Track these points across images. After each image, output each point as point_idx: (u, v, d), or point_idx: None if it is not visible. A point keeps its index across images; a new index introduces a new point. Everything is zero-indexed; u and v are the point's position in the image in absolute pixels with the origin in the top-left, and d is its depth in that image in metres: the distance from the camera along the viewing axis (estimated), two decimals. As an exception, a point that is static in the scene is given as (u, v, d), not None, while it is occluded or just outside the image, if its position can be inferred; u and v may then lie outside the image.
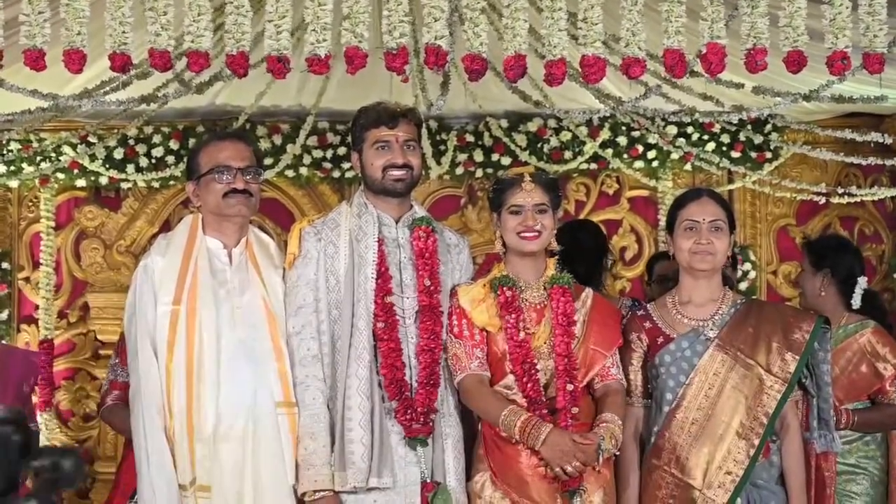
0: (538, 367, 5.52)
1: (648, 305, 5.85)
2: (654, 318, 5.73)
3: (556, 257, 5.83)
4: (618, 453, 5.53)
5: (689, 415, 5.55)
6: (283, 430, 5.46)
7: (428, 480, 5.49)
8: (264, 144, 9.23)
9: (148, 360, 5.37)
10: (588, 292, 5.71)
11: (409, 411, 5.48)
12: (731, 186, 9.94)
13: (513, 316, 5.53)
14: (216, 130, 5.90)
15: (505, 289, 5.57)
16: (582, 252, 6.66)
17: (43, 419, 9.69)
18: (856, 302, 6.88)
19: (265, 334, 5.51)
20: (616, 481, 5.62)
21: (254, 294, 5.55)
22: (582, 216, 9.85)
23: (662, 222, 9.92)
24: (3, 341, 9.37)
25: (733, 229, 5.74)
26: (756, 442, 5.46)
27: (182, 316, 5.40)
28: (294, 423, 5.46)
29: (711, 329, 5.63)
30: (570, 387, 5.49)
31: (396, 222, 5.69)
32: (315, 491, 5.41)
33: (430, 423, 5.51)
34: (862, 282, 6.96)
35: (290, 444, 5.46)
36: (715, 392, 5.54)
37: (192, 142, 9.32)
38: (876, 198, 9.64)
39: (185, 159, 9.19)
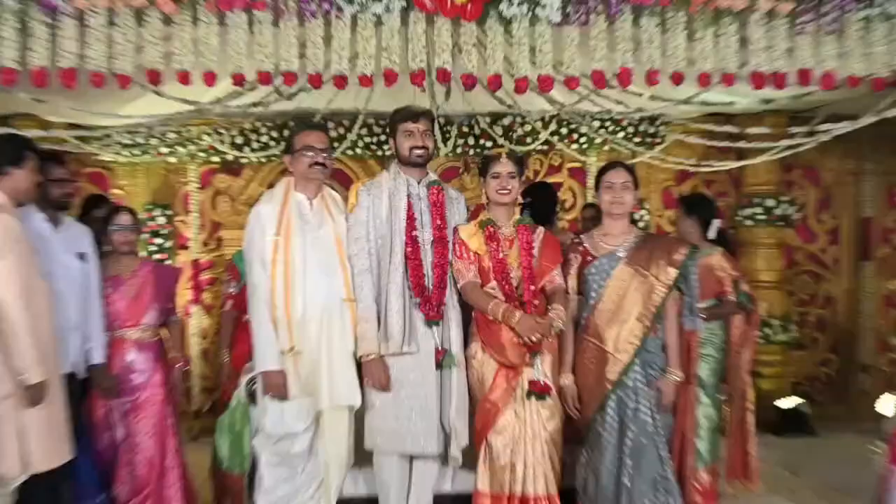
0: (511, 276, 5.53)
1: (582, 236, 5.84)
2: (586, 245, 5.75)
3: (522, 206, 5.87)
4: (563, 329, 5.53)
5: (605, 306, 5.58)
6: (346, 316, 5.47)
7: (440, 348, 5.53)
8: (333, 133, 9.18)
9: (259, 272, 5.39)
10: (540, 230, 5.71)
11: (427, 304, 5.52)
12: (633, 161, 9.84)
13: (494, 244, 5.55)
14: (305, 123, 5.84)
15: (489, 227, 5.59)
16: (540, 203, 6.67)
17: (193, 310, 9.69)
18: (711, 235, 6.89)
19: (334, 254, 5.50)
20: (560, 347, 5.62)
21: (326, 229, 5.54)
22: (538, 180, 9.79)
23: (590, 184, 9.89)
24: (167, 262, 9.36)
25: (637, 188, 5.74)
26: (648, 324, 5.51)
27: (281, 243, 5.40)
28: (354, 312, 5.47)
29: (621, 252, 5.65)
30: (532, 287, 5.51)
31: (418, 183, 5.69)
32: (367, 354, 5.43)
33: (441, 312, 5.54)
34: (716, 223, 6.97)
35: (351, 325, 5.47)
36: (622, 292, 5.57)
37: (285, 132, 9.26)
38: (726, 168, 9.60)
39: (282, 143, 9.17)
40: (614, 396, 5.51)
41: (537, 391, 5.43)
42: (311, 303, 5.40)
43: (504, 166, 5.62)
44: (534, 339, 5.39)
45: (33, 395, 4.96)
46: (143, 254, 7.11)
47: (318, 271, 5.44)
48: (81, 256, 6.03)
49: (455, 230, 5.67)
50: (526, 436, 5.44)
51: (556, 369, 5.57)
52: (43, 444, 5.07)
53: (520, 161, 5.74)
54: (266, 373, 5.37)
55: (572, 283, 5.68)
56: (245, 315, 6.81)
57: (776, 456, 8.55)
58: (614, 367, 5.50)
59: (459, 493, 5.67)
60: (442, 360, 5.52)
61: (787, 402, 9.93)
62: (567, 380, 5.60)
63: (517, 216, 5.71)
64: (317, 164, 5.53)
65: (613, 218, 5.71)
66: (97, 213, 6.72)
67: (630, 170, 5.76)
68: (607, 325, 5.57)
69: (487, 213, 5.68)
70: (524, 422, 5.44)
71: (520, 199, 5.77)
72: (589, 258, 5.69)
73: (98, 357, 6.08)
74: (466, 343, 5.63)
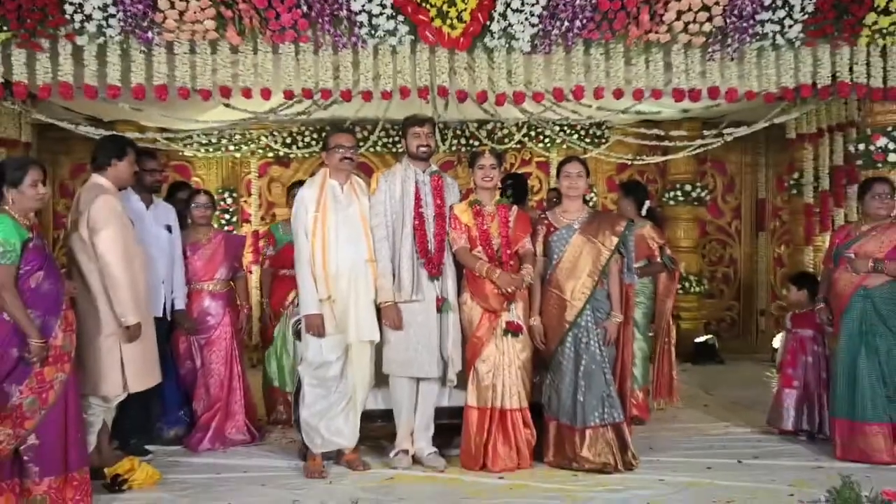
0: (493, 242, 5.51)
1: (547, 213, 5.78)
2: (550, 219, 5.67)
3: (501, 190, 5.82)
4: (532, 282, 5.51)
5: (564, 265, 5.52)
6: (368, 273, 5.42)
7: (439, 297, 5.51)
8: (359, 136, 9.16)
9: (303, 240, 5.35)
10: (515, 208, 5.64)
11: (430, 263, 5.50)
12: (585, 155, 9.83)
13: (479, 218, 5.53)
14: (338, 127, 5.80)
15: (476, 206, 5.57)
16: (515, 188, 6.60)
17: (254, 269, 9.69)
18: (643, 212, 6.82)
19: (360, 226, 5.43)
20: (529, 296, 5.60)
21: (354, 207, 5.46)
22: (513, 170, 9.76)
23: (552, 173, 9.85)
24: (234, 232, 9.34)
25: (588, 176, 5.67)
26: (596, 279, 5.46)
27: (319, 218, 5.35)
28: (374, 270, 5.43)
29: (576, 224, 5.58)
30: (508, 251, 5.50)
31: (423, 173, 5.62)
32: (385, 301, 5.43)
33: (441, 269, 5.52)
34: (647, 203, 6.89)
35: (372, 280, 5.44)
36: (577, 255, 5.51)
37: (323, 134, 9.23)
38: (654, 161, 9.60)
39: (321, 142, 9.14)
40: (571, 334, 5.46)
41: (512, 329, 5.44)
42: (342, 263, 5.34)
43: (487, 160, 5.59)
44: (510, 290, 5.38)
45: (131, 334, 4.95)
46: (216, 226, 7.08)
47: (347, 239, 5.38)
48: (168, 229, 6.06)
49: (451, 208, 5.62)
50: (504, 363, 5.45)
51: (527, 313, 5.55)
52: (137, 370, 5.06)
53: (499, 156, 5.72)
54: (308, 316, 5.32)
55: (539, 248, 5.62)
56: (281, 270, 6.88)
57: (693, 379, 8.58)
58: (571, 311, 5.46)
59: (454, 406, 5.66)
60: (441, 306, 5.49)
61: (701, 338, 10.00)
62: (535, 321, 5.56)
63: (497, 198, 5.66)
64: (346, 158, 5.44)
65: (570, 199, 5.64)
66: (181, 195, 6.73)
67: (583, 162, 5.68)
68: (566, 280, 5.51)
69: (475, 195, 5.64)
70: (502, 353, 5.45)
71: (499, 185, 5.72)
72: (552, 229, 5.62)
73: (180, 304, 6.13)
74: (459, 293, 5.60)
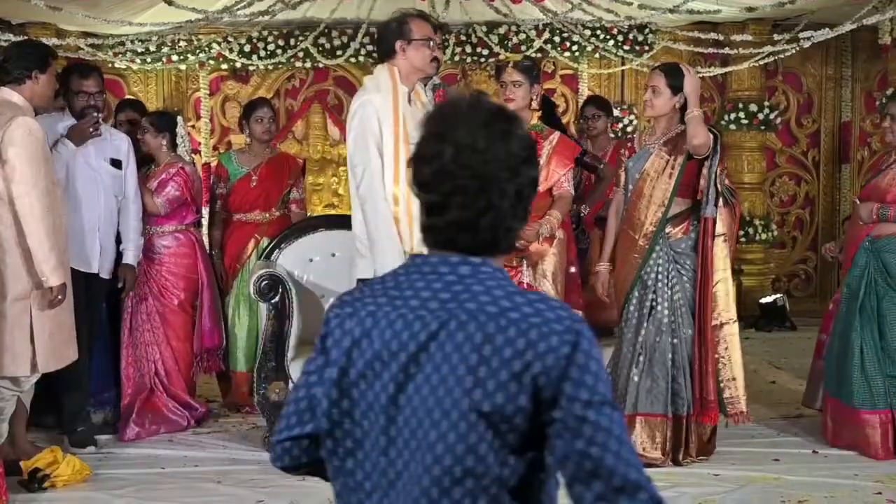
0: None
1: (634, 136, 5.73)
2: (634, 143, 5.61)
3: (539, 112, 5.73)
4: (557, 234, 5.45)
5: (633, 195, 5.47)
6: None
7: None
8: (336, 42, 9.14)
9: (377, 168, 4.90)
10: (556, 135, 5.61)
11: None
12: (622, 67, 9.83)
13: None
14: (421, 13, 5.49)
15: None
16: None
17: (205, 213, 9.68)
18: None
19: None
20: (603, 237, 5.65)
21: None
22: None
23: (581, 90, 9.84)
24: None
25: (676, 91, 5.32)
26: (665, 209, 5.37)
27: (401, 136, 4.92)
28: None
29: (656, 144, 5.45)
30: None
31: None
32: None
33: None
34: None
35: None
36: (647, 180, 5.42)
37: (291, 41, 9.21)
38: (711, 74, 9.57)
39: (288, 50, 9.08)
40: (637, 290, 5.40)
41: None
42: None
43: (509, 75, 5.52)
44: (518, 244, 5.32)
45: (52, 298, 4.89)
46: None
47: None
48: (116, 164, 5.94)
49: None
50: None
51: (560, 266, 5.54)
52: (52, 345, 5.01)
53: (529, 70, 5.58)
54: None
55: (622, 177, 5.56)
56: (236, 215, 6.80)
57: (757, 349, 8.62)
58: (639, 255, 5.40)
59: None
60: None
61: (768, 298, 10.01)
62: (602, 267, 5.58)
63: (534, 122, 5.60)
64: (436, 58, 5.16)
65: (655, 120, 5.53)
66: (121, 116, 6.68)
67: (668, 72, 5.41)
68: (634, 213, 5.45)
69: None
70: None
71: (535, 108, 5.62)
72: (631, 153, 5.56)
73: (130, 257, 6.05)
74: None
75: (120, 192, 5.96)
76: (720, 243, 5.44)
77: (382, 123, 4.86)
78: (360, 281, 4.92)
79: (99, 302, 6.00)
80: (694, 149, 5.22)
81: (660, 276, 5.39)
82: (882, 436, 5.53)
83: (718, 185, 5.37)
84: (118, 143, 6.01)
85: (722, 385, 5.46)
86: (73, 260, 5.34)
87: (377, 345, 1.85)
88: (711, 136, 5.23)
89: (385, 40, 4.99)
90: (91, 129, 5.66)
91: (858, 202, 5.77)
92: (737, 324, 5.59)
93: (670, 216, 5.39)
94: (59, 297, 4.92)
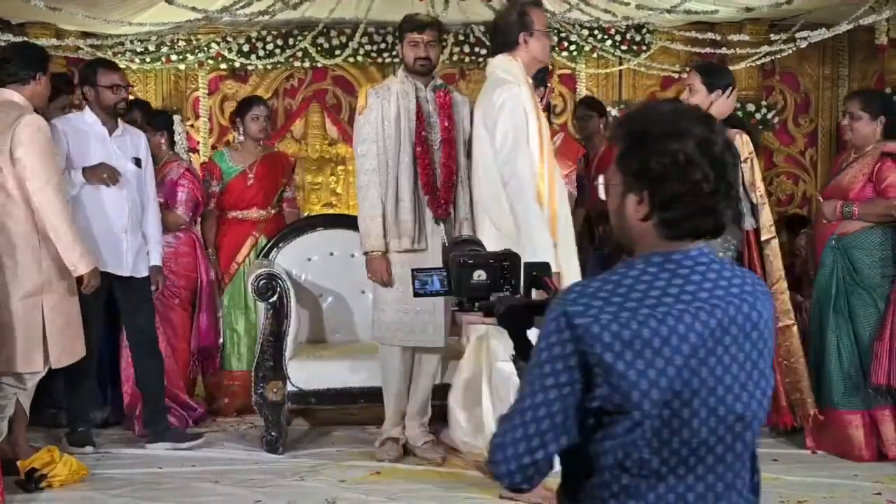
0: None
1: None
2: None
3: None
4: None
5: None
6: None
7: (445, 244, 5.41)
8: (335, 42, 9.09)
9: (526, 161, 4.81)
10: (560, 135, 5.63)
11: (436, 202, 5.44)
12: (620, 67, 9.79)
13: None
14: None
15: None
16: None
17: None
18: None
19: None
20: None
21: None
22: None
23: (579, 90, 9.80)
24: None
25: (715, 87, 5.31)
26: None
27: (543, 131, 4.93)
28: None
29: None
30: None
31: (425, 87, 5.52)
32: (372, 251, 5.42)
33: (449, 210, 5.47)
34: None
35: None
36: None
37: (290, 40, 9.17)
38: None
39: (287, 50, 9.04)
40: None
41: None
42: (560, 199, 4.98)
43: None
44: None
45: (86, 283, 5.06)
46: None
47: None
48: (137, 162, 5.88)
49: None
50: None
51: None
52: (63, 341, 5.05)
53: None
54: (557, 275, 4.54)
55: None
56: (230, 212, 6.74)
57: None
58: None
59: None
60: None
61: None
62: None
63: None
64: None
65: None
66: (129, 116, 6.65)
67: (703, 71, 5.37)
68: None
69: None
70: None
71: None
72: None
73: (156, 258, 6.00)
74: None
75: (142, 191, 5.91)
76: (773, 246, 5.46)
77: (529, 119, 4.82)
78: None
79: (145, 301, 5.93)
80: None
81: None
82: (866, 436, 5.50)
83: (752, 197, 5.35)
84: (137, 140, 5.98)
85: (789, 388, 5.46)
86: (100, 263, 5.42)
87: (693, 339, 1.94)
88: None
89: (506, 32, 4.94)
90: (105, 180, 5.63)
91: (822, 200, 5.73)
92: (796, 326, 5.59)
93: None
94: (92, 282, 5.08)
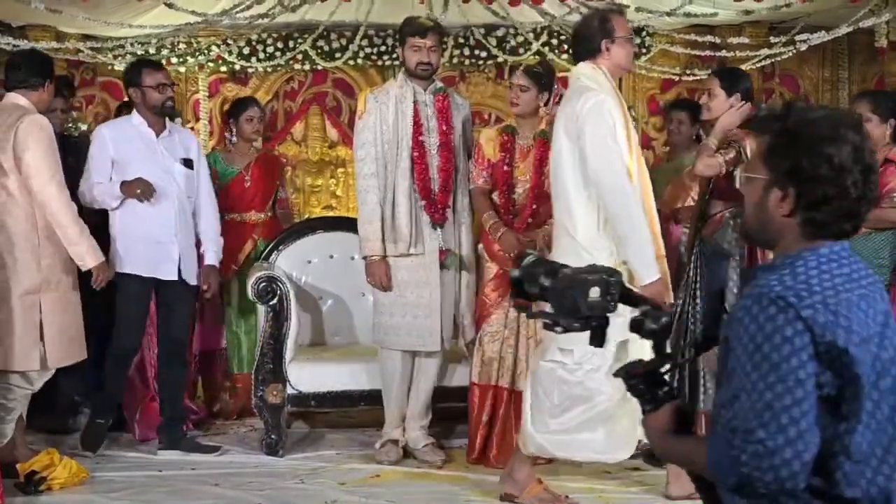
0: (518, 187, 5.47)
1: None
2: None
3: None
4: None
5: None
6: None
7: (442, 249, 5.48)
8: (335, 45, 9.07)
9: (624, 170, 4.53)
10: None
11: (432, 206, 5.46)
12: (620, 70, 9.80)
13: (505, 153, 5.48)
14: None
15: (505, 134, 5.52)
16: None
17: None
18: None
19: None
20: None
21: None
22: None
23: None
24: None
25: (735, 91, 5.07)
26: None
27: (631, 143, 4.65)
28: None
29: None
30: (534, 206, 5.44)
31: (424, 91, 5.53)
32: (371, 255, 5.42)
33: (446, 214, 5.49)
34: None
35: None
36: None
37: (290, 43, 9.16)
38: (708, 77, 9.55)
39: (287, 53, 9.02)
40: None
41: (517, 305, 4.96)
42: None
43: (516, 79, 5.48)
44: (512, 255, 5.20)
45: (96, 277, 5.15)
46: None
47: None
48: (188, 163, 5.82)
49: (481, 134, 5.65)
50: (517, 331, 5.43)
51: None
52: (61, 341, 5.07)
53: (535, 75, 5.46)
54: (652, 285, 4.44)
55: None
56: (228, 214, 6.63)
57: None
58: None
59: (460, 387, 5.64)
60: (445, 259, 5.48)
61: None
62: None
63: (542, 127, 5.48)
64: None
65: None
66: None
67: (721, 76, 5.22)
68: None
69: (514, 120, 5.60)
70: (515, 317, 5.40)
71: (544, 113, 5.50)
72: None
73: (212, 258, 5.94)
74: (475, 245, 5.63)
75: (193, 192, 5.85)
76: None
77: (616, 123, 4.57)
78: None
79: (184, 309, 5.87)
80: (692, 178, 5.09)
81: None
82: None
83: None
84: (187, 141, 5.96)
85: None
86: (139, 266, 5.53)
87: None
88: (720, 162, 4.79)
89: (588, 39, 4.72)
90: (139, 196, 5.53)
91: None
92: None
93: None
94: (102, 276, 5.17)
